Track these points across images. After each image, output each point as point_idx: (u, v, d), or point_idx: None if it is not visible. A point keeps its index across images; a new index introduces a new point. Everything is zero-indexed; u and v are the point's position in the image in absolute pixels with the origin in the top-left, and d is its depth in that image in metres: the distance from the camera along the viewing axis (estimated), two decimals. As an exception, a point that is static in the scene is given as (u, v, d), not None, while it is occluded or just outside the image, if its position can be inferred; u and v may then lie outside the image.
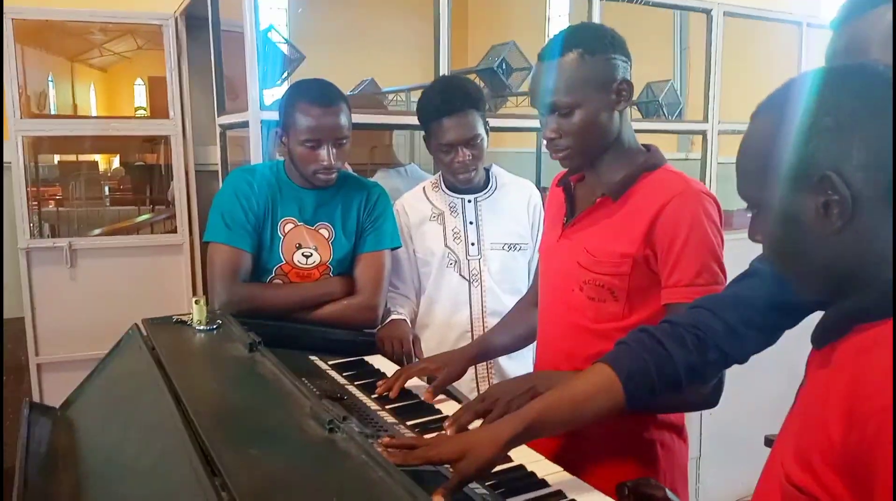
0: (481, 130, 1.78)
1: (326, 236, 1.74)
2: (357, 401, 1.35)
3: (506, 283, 1.86)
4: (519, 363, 1.84)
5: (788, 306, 1.00)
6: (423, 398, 1.38)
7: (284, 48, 3.03)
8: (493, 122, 2.11)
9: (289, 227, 1.72)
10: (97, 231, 3.99)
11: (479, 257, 1.86)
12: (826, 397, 0.73)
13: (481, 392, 1.82)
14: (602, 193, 1.31)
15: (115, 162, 7.31)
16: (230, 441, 0.93)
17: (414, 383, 1.44)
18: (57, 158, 6.01)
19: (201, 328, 1.43)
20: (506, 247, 1.87)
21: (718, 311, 1.06)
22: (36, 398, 2.91)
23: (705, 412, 2.87)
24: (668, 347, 1.05)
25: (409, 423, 1.27)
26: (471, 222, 1.87)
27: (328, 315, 1.71)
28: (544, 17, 6.89)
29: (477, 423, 1.16)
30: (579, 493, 1.04)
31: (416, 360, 1.67)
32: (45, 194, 5.14)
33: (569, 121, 1.26)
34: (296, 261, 1.72)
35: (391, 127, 2.89)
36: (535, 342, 1.55)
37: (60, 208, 4.86)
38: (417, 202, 1.92)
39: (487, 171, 1.92)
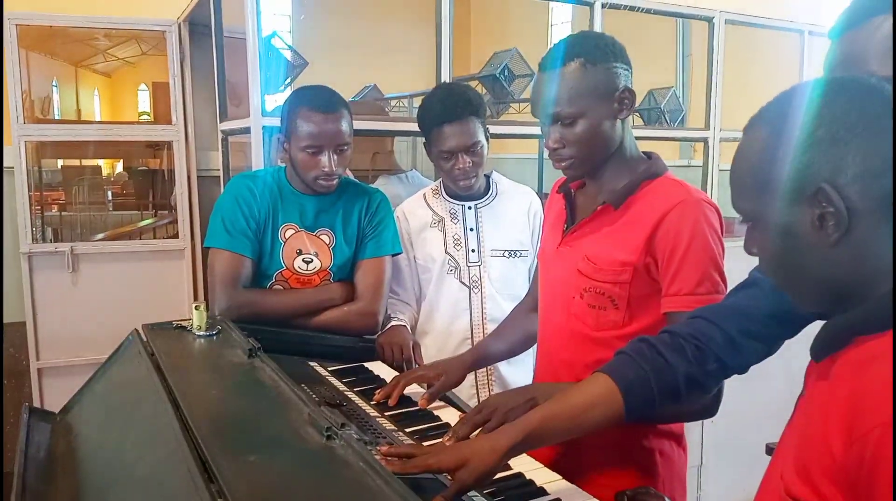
0: (481, 137, 1.78)
1: (327, 242, 1.74)
2: (356, 408, 1.35)
3: (506, 290, 1.85)
4: (519, 370, 1.84)
5: (788, 316, 1.00)
6: (419, 405, 1.38)
7: (288, 54, 3.05)
8: (495, 128, 2.11)
9: (289, 233, 1.72)
10: (100, 236, 4.00)
11: (479, 263, 1.86)
12: (826, 410, 0.72)
13: (480, 401, 1.83)
14: (603, 200, 1.31)
15: (119, 167, 7.33)
16: (228, 447, 0.93)
17: (413, 390, 1.44)
18: (60, 162, 6.03)
19: (201, 333, 1.43)
20: (506, 254, 1.87)
21: (718, 321, 1.06)
22: (37, 403, 2.92)
23: (707, 421, 2.86)
24: (668, 357, 1.05)
25: (408, 430, 1.27)
26: (471, 229, 1.87)
27: (328, 321, 1.71)
28: (547, 24, 6.91)
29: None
30: (578, 501, 1.04)
31: (416, 366, 1.67)
32: (49, 199, 5.15)
33: (572, 131, 1.26)
34: (296, 267, 1.72)
35: (393, 133, 2.89)
36: (534, 349, 1.54)
37: (63, 213, 4.87)
38: (418, 209, 1.92)
39: (488, 177, 1.92)
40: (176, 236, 3.11)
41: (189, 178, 3.07)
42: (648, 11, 2.73)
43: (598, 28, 2.60)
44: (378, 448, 1.03)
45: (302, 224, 1.73)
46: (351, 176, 2.03)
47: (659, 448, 1.33)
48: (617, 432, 1.12)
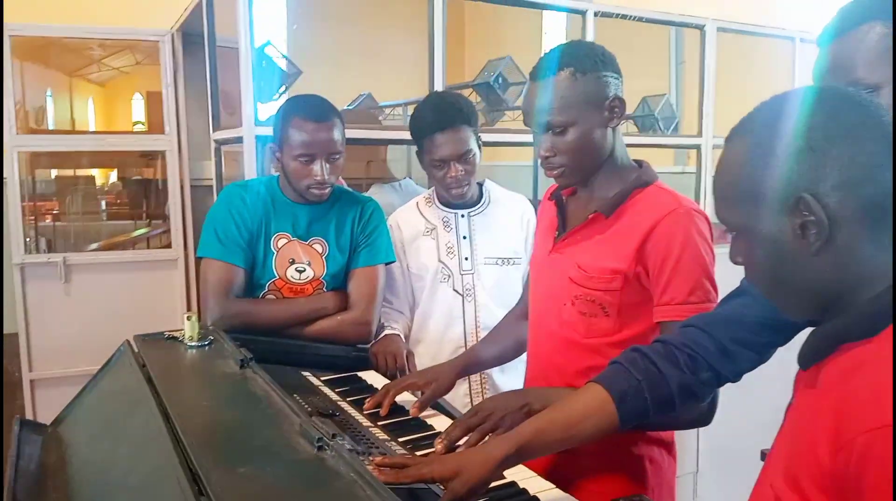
0: (474, 146, 1.79)
1: (320, 251, 1.74)
2: (349, 418, 1.34)
3: (499, 298, 1.85)
4: (512, 377, 1.83)
5: (779, 323, 1.00)
6: (411, 414, 1.37)
7: (282, 63, 3.05)
8: (489, 136, 2.12)
9: (282, 242, 1.72)
10: (94, 246, 3.99)
11: (472, 271, 1.86)
12: (813, 418, 0.73)
13: (474, 405, 1.82)
14: (594, 209, 1.32)
15: (113, 176, 7.32)
16: (218, 459, 0.92)
17: (404, 398, 1.43)
18: (54, 172, 6.02)
19: (193, 344, 1.43)
20: (499, 262, 1.87)
21: (710, 330, 1.06)
22: (30, 415, 2.90)
23: (703, 428, 2.85)
24: (661, 367, 1.05)
25: (401, 440, 1.26)
26: (464, 237, 1.87)
27: (322, 331, 1.71)
28: (540, 32, 6.93)
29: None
30: (571, 510, 1.04)
31: (409, 374, 1.66)
32: (42, 209, 5.14)
33: (563, 139, 1.27)
34: (289, 276, 1.72)
35: (387, 142, 2.90)
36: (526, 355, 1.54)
37: (57, 223, 4.86)
38: (411, 217, 1.92)
39: (480, 186, 1.92)
40: (169, 245, 3.10)
41: (182, 187, 3.07)
42: (640, 19, 2.75)
43: (590, 36, 2.61)
44: (371, 458, 1.02)
45: (295, 233, 1.73)
46: (344, 185, 2.03)
47: (649, 455, 1.34)
48: (607, 439, 1.12)
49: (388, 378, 1.63)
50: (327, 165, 1.64)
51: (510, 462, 0.99)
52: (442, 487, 0.96)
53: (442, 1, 2.31)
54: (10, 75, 2.85)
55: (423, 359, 1.82)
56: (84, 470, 1.16)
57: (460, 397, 1.82)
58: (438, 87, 2.34)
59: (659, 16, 2.85)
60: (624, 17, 2.68)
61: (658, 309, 1.26)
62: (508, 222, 1.91)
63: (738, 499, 0.94)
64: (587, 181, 1.34)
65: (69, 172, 6.16)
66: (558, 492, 1.08)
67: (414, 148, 1.87)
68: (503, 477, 1.10)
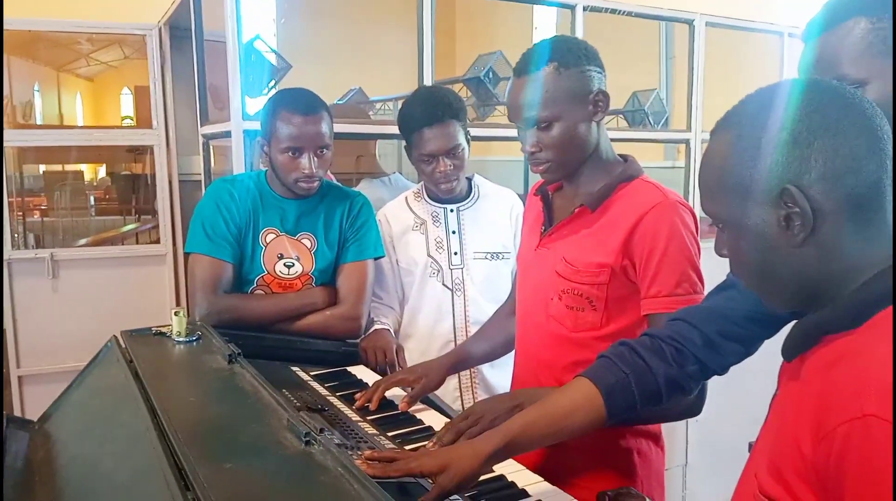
0: (462, 141, 1.79)
1: (309, 246, 1.73)
2: (338, 413, 1.34)
3: (489, 292, 1.85)
4: (502, 373, 1.83)
5: (766, 316, 1.01)
6: (400, 409, 1.37)
7: (271, 57, 3.03)
8: (479, 131, 2.12)
9: (270, 237, 1.71)
10: (82, 241, 3.97)
11: (461, 266, 1.86)
12: (796, 409, 0.73)
13: (464, 404, 1.83)
14: (580, 203, 1.32)
15: (101, 171, 7.28)
16: (205, 454, 0.92)
17: (394, 393, 1.44)
18: (42, 167, 5.98)
19: (181, 339, 1.42)
20: (488, 256, 1.87)
21: (697, 323, 1.07)
22: (17, 411, 2.88)
23: (691, 420, 2.87)
24: (648, 360, 1.06)
25: (390, 434, 1.26)
26: (453, 232, 1.87)
27: (311, 326, 1.70)
28: (531, 27, 6.93)
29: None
30: (559, 504, 1.04)
31: (400, 369, 1.66)
32: (30, 204, 5.11)
33: (548, 134, 1.27)
34: (278, 271, 1.71)
35: (376, 136, 2.89)
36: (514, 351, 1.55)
37: (45, 218, 4.83)
38: (400, 212, 1.92)
39: (469, 180, 1.92)
40: (158, 241, 3.08)
41: (170, 182, 3.05)
42: (629, 14, 2.75)
43: (580, 31, 2.61)
44: (360, 453, 1.02)
45: (283, 228, 1.72)
46: (333, 179, 2.02)
47: (637, 447, 1.35)
48: (595, 432, 1.13)
49: (378, 373, 1.63)
50: (315, 159, 1.64)
51: (498, 456, 0.99)
52: (431, 481, 0.96)
53: (431, -5, 2.30)
54: (-5, 70, 2.82)
55: (413, 354, 1.82)
56: (71, 466, 1.15)
57: (450, 392, 1.83)
58: (428, 81, 2.33)
59: (648, 11, 2.85)
60: (614, 11, 2.68)
61: (645, 302, 1.27)
62: (497, 217, 1.91)
63: (727, 491, 0.95)
64: (573, 176, 1.34)
65: (57, 168, 6.13)
66: (547, 486, 1.09)
67: (403, 143, 1.87)
68: (492, 471, 1.11)
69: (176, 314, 1.43)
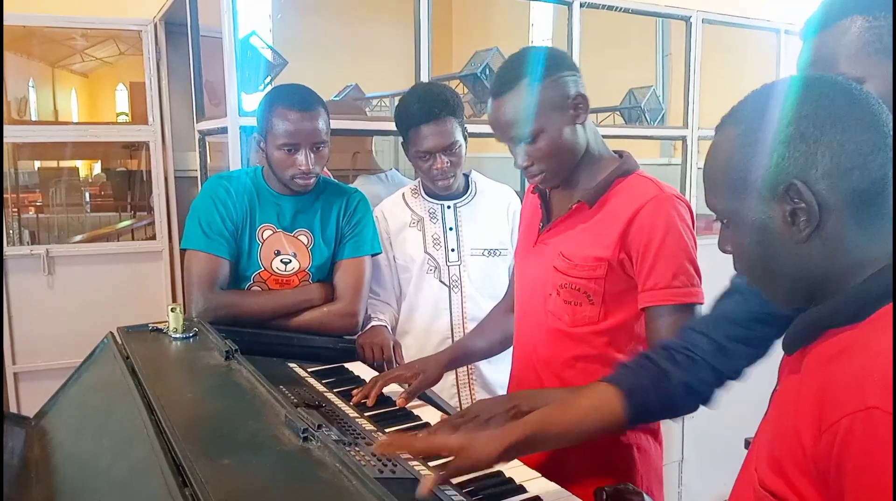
0: (459, 137, 1.78)
1: (305, 242, 1.73)
2: (336, 409, 1.34)
3: (486, 289, 1.85)
4: (499, 369, 1.84)
5: (772, 316, 1.01)
6: (397, 405, 1.37)
7: (267, 54, 3.02)
8: (476, 127, 2.11)
9: (267, 233, 1.71)
10: (78, 238, 3.96)
11: (458, 263, 1.86)
12: (797, 403, 0.73)
13: (463, 401, 1.83)
14: (578, 199, 1.33)
15: (97, 168, 7.25)
16: (203, 451, 0.92)
17: (391, 389, 1.44)
18: (37, 163, 5.95)
19: (177, 336, 1.42)
20: (486, 253, 1.87)
21: (706, 330, 1.08)
22: (13, 408, 2.87)
23: (688, 417, 2.88)
24: (666, 367, 1.07)
25: (388, 430, 1.26)
26: (450, 228, 1.87)
27: (308, 322, 1.70)
28: (527, 23, 6.92)
29: None
30: (558, 499, 1.04)
31: (397, 366, 1.66)
32: (25, 201, 5.09)
33: (536, 147, 1.29)
34: (274, 268, 1.71)
35: (373, 133, 2.89)
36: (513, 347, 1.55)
37: (41, 215, 4.82)
38: (397, 208, 1.92)
39: (467, 177, 1.92)
40: (154, 237, 3.08)
41: (166, 179, 3.04)
42: (626, 11, 2.75)
43: (577, 28, 2.61)
44: (358, 449, 1.03)
45: (280, 225, 1.72)
46: (330, 176, 2.02)
47: (636, 442, 1.35)
48: None
49: (375, 370, 1.63)
50: (312, 155, 1.63)
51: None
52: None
53: (429, -9, 2.30)
54: (-10, 66, 2.81)
55: (410, 350, 1.82)
56: (68, 463, 1.15)
57: (447, 388, 1.83)
58: (425, 78, 2.33)
59: (645, 7, 2.86)
60: (611, 8, 2.68)
61: (642, 295, 1.27)
62: (495, 214, 1.91)
63: (724, 487, 0.95)
64: (570, 179, 1.36)
65: (52, 164, 6.10)
66: (545, 482, 1.09)
67: (400, 139, 1.86)
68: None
69: (172, 310, 1.43)
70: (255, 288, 1.72)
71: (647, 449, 1.37)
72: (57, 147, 4.63)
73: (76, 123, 7.07)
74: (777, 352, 0.87)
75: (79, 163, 7.04)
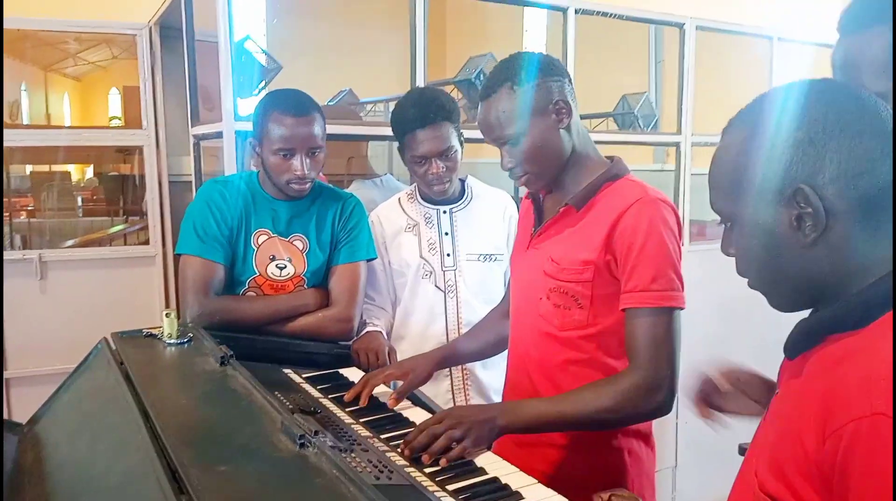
0: (455, 142, 1.79)
1: (301, 247, 1.73)
2: (331, 415, 1.33)
3: (482, 294, 1.86)
4: (494, 373, 1.84)
5: None
6: (388, 405, 1.38)
7: (261, 58, 3.02)
8: (470, 133, 2.12)
9: (262, 238, 1.70)
10: (70, 242, 3.93)
11: (454, 268, 1.86)
12: (799, 407, 0.73)
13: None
14: (566, 202, 1.34)
15: (89, 172, 7.22)
16: (199, 457, 0.91)
17: (382, 390, 1.44)
18: (29, 168, 5.92)
19: (172, 341, 1.41)
20: (481, 258, 1.87)
21: None
22: (5, 414, 2.85)
23: (681, 422, 2.89)
24: None
25: (383, 436, 1.26)
26: (446, 233, 1.87)
27: (303, 328, 1.70)
28: (521, 29, 6.95)
29: None
30: (554, 506, 1.04)
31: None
32: (17, 205, 5.06)
33: (519, 150, 1.32)
34: (269, 273, 1.71)
35: (368, 138, 2.88)
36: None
37: (32, 219, 4.79)
38: (392, 213, 1.92)
39: (463, 182, 1.92)
40: (147, 242, 3.06)
41: (160, 183, 3.03)
42: (620, 17, 2.76)
43: (571, 34, 2.62)
44: (354, 455, 1.03)
45: (275, 230, 1.71)
46: (325, 181, 2.02)
47: (627, 447, 1.36)
48: (586, 432, 1.13)
49: (370, 375, 1.63)
50: (307, 160, 1.63)
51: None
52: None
53: (423, -4, 2.30)
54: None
55: (406, 356, 1.80)
56: (62, 469, 1.14)
57: (442, 393, 1.83)
58: (421, 83, 2.33)
59: (639, 14, 2.87)
60: (604, 14, 2.69)
61: (623, 296, 1.28)
62: (491, 219, 1.91)
63: (717, 492, 0.96)
64: (556, 182, 1.37)
65: (44, 168, 6.07)
66: (541, 488, 1.08)
67: (395, 144, 1.86)
68: (485, 472, 1.11)
69: (167, 315, 1.42)
70: (250, 293, 1.71)
71: (639, 454, 1.38)
72: (49, 151, 4.60)
73: (71, 127, 7.03)
74: (770, 358, 0.87)
75: (71, 167, 7.01)
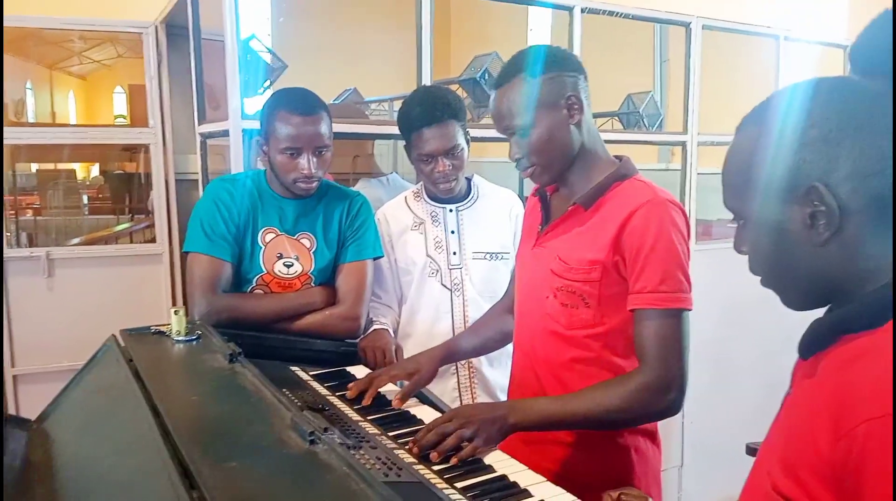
0: (462, 141, 1.79)
1: (308, 245, 1.73)
2: (339, 412, 1.34)
3: (488, 292, 1.86)
4: (501, 371, 1.84)
5: None
6: (393, 405, 1.38)
7: (267, 57, 3.02)
8: (475, 132, 2.12)
9: (270, 236, 1.71)
10: (76, 240, 3.94)
11: (460, 266, 1.86)
12: (812, 407, 0.73)
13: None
14: (574, 201, 1.34)
15: (95, 170, 7.23)
16: (209, 453, 0.91)
17: (389, 388, 1.44)
18: (35, 166, 5.94)
19: (180, 338, 1.41)
20: (487, 256, 1.88)
21: None
22: (12, 411, 2.86)
23: (687, 422, 2.88)
24: None
25: (391, 434, 1.26)
26: (452, 232, 1.87)
27: (310, 326, 1.70)
28: (526, 28, 6.94)
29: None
30: (563, 503, 1.04)
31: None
32: (23, 203, 5.07)
33: (527, 141, 1.31)
34: (277, 271, 1.71)
35: (373, 136, 2.89)
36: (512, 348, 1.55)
37: (38, 217, 4.80)
38: (399, 212, 1.92)
39: (469, 180, 1.92)
40: (153, 240, 3.07)
41: (167, 182, 3.04)
42: (626, 16, 2.76)
43: (577, 33, 2.62)
44: (363, 452, 1.03)
45: (282, 228, 1.72)
46: (331, 179, 2.02)
47: (634, 445, 1.36)
48: (592, 431, 1.14)
49: (377, 373, 1.63)
50: (314, 159, 1.64)
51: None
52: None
53: (429, -5, 2.31)
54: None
55: (412, 354, 1.81)
56: (71, 466, 1.15)
57: (449, 391, 1.83)
58: (426, 82, 2.33)
59: (645, 13, 2.86)
60: (610, 13, 2.69)
61: (631, 297, 1.28)
62: (497, 217, 1.91)
63: (723, 492, 0.95)
64: (561, 177, 1.37)
65: (50, 166, 6.08)
66: (550, 486, 1.09)
67: (401, 143, 1.86)
68: (493, 470, 1.11)
69: (175, 313, 1.43)
70: (258, 291, 1.72)
71: (645, 452, 1.38)
72: (55, 149, 4.61)
73: (77, 125, 7.05)
74: (777, 358, 0.87)
75: (76, 165, 7.02)
